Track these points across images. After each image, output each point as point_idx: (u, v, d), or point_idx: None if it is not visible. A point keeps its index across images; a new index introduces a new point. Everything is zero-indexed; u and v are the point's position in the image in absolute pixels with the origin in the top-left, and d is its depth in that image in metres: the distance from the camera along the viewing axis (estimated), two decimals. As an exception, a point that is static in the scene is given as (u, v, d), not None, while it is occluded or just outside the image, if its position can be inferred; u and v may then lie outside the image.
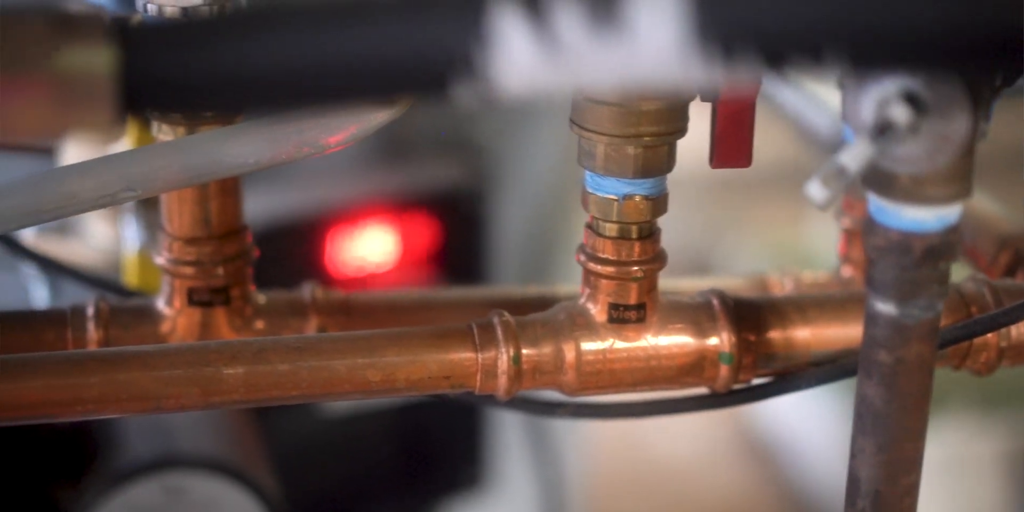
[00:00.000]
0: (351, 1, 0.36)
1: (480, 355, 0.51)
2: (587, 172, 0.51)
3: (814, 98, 0.77)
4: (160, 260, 0.56)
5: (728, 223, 2.31)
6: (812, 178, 0.42)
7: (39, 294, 0.75)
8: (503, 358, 0.51)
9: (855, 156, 0.40)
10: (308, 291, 0.57)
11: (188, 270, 0.55)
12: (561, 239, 1.06)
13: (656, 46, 0.34)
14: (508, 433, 1.12)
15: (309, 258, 0.91)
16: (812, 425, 1.85)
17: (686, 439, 1.96)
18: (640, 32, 0.34)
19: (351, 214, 0.93)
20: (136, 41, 0.36)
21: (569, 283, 0.57)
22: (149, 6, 0.52)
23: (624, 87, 0.37)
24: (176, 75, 0.36)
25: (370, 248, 0.93)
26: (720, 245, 2.21)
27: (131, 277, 0.69)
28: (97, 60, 0.36)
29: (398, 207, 0.95)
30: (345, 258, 0.93)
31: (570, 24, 0.34)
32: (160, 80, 0.36)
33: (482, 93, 0.36)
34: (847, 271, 0.60)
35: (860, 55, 0.34)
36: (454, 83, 0.35)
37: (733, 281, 0.61)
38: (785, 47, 0.34)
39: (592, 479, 1.49)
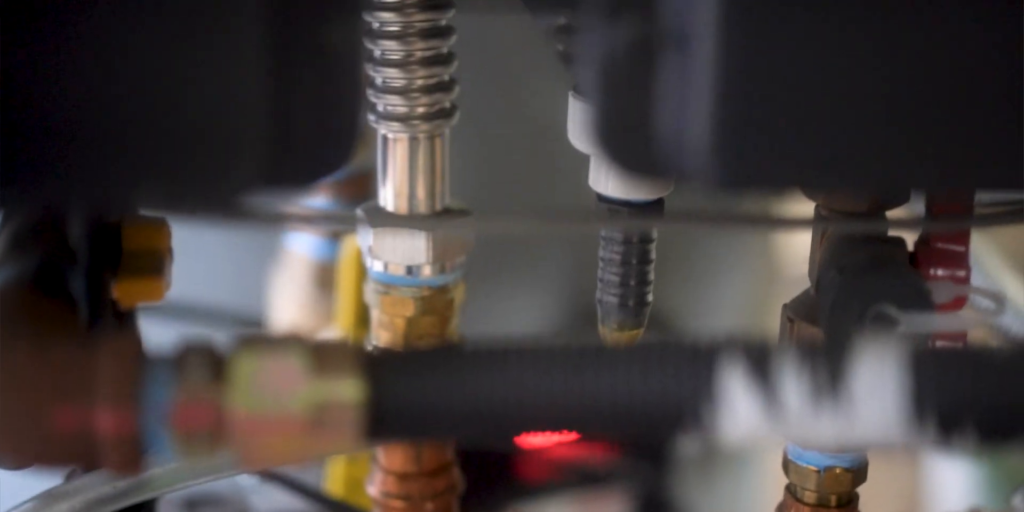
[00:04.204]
0: (583, 346, 0.38)
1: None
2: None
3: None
4: (372, 491, 0.58)
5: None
6: (1018, 491, 0.43)
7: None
8: None
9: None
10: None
11: (398, 504, 0.58)
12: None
13: (874, 417, 0.36)
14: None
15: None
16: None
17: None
18: (860, 403, 0.36)
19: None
20: (382, 372, 0.39)
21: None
22: (375, 263, 0.55)
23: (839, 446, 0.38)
24: (420, 406, 0.38)
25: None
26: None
27: (335, 482, 0.72)
28: (346, 392, 0.38)
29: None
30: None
31: (794, 390, 0.36)
32: (405, 411, 0.39)
33: (703, 440, 0.37)
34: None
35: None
36: (680, 432, 0.37)
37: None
38: (1005, 427, 0.35)
39: None
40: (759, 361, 0.37)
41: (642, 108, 0.37)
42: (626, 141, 0.38)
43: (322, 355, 0.39)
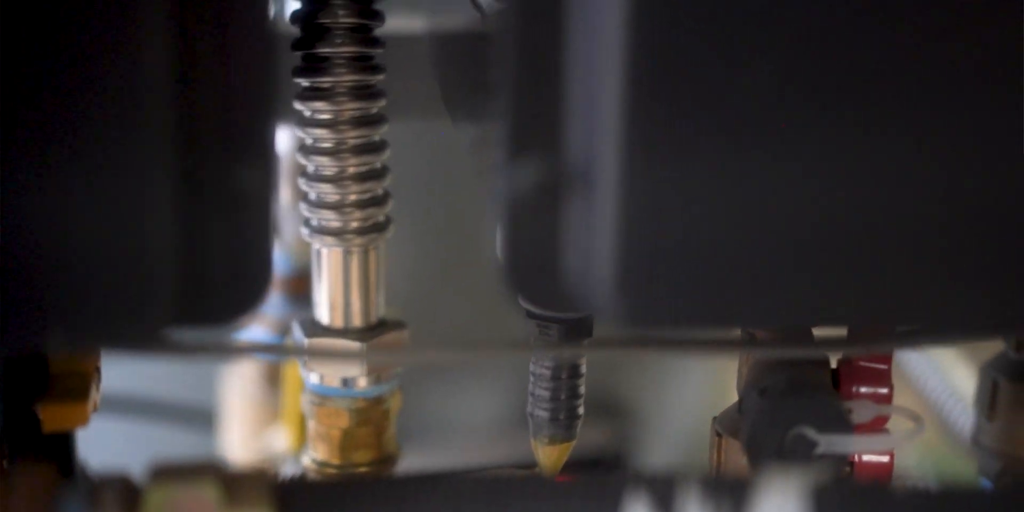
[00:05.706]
0: (495, 477, 0.39)
1: None
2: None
3: (948, 382, 0.79)
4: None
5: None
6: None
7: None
8: None
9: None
10: None
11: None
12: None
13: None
14: None
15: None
16: None
17: None
18: (763, 540, 0.36)
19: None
20: (295, 503, 0.39)
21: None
22: (311, 375, 0.55)
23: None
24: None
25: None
26: None
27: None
28: (259, 524, 0.39)
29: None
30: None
31: (697, 527, 0.36)
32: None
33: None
34: None
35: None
36: (587, 566, 0.38)
37: None
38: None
39: None
40: (663, 495, 0.37)
41: (548, 244, 0.38)
42: (533, 275, 0.38)
43: (235, 486, 0.39)
